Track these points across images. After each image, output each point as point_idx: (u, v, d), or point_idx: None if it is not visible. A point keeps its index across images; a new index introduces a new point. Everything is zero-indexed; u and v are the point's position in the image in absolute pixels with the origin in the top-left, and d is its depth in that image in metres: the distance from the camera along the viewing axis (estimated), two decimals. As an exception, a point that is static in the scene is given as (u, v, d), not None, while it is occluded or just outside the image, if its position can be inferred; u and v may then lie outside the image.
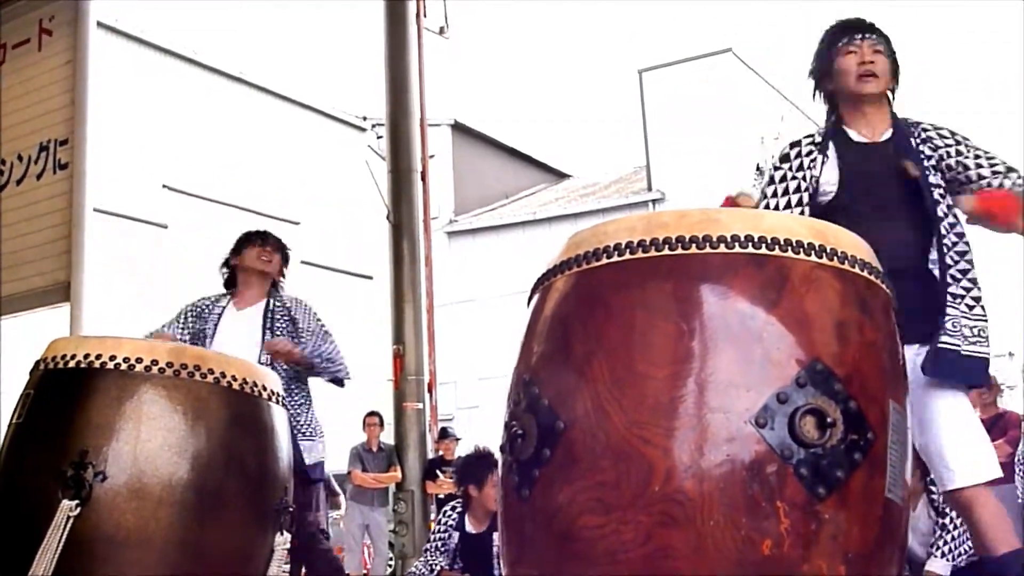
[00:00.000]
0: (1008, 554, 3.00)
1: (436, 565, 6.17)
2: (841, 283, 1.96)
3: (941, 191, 3.21)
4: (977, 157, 3.26)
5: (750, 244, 1.91)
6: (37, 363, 3.12)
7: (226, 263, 5.04)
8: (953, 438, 3.06)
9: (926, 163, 3.24)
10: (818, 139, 3.37)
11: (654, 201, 24.44)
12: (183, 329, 4.82)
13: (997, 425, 8.51)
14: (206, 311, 4.88)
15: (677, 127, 23.69)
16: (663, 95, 24.57)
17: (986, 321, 3.16)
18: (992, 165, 3.25)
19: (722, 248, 1.92)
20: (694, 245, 1.92)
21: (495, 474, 6.07)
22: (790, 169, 3.35)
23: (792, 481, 1.80)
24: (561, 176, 32.67)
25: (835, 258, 1.95)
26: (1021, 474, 7.86)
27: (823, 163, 3.31)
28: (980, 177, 3.24)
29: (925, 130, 3.32)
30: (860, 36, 3.33)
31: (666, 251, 1.93)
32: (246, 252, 4.94)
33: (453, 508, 6.33)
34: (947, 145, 3.28)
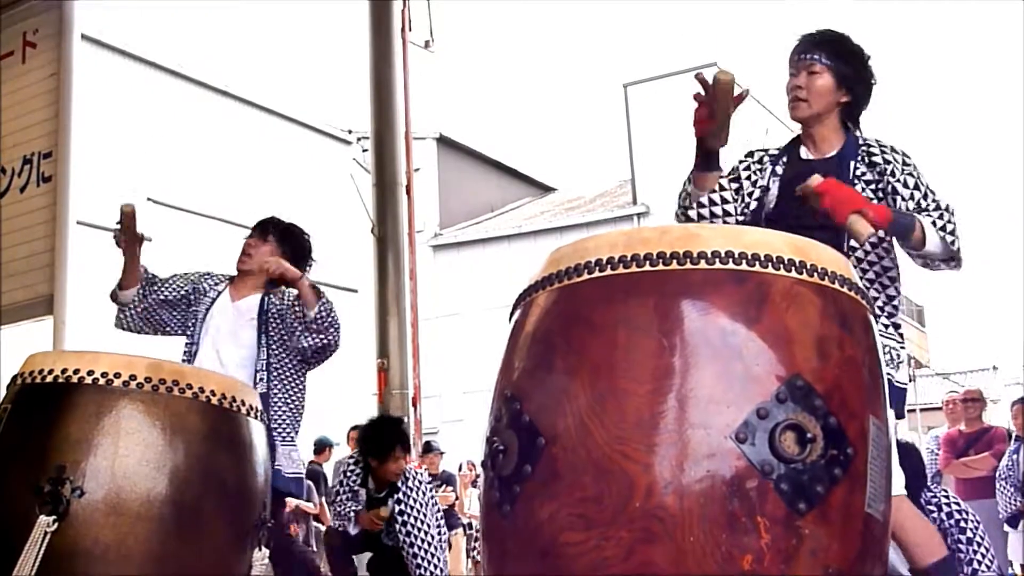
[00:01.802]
0: (938, 562, 3.02)
1: (350, 511, 6.05)
2: (821, 299, 1.96)
3: None
4: (915, 188, 3.23)
5: (731, 260, 1.92)
6: (15, 378, 3.10)
7: None
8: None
9: (859, 181, 3.25)
10: (774, 152, 3.46)
11: (639, 215, 24.49)
12: (180, 286, 4.74)
13: (983, 439, 8.54)
14: (207, 288, 4.71)
15: (662, 141, 23.72)
16: (648, 109, 24.63)
17: (903, 346, 3.17)
18: (922, 198, 3.21)
19: (703, 264, 1.92)
20: (675, 261, 1.92)
21: (398, 450, 5.98)
22: (746, 169, 3.47)
23: (772, 497, 1.80)
24: (546, 190, 32.72)
25: (815, 274, 1.96)
26: (1001, 489, 7.89)
27: (770, 175, 3.38)
28: (906, 206, 3.20)
29: (871, 150, 3.31)
30: (799, 57, 3.36)
31: (647, 267, 1.93)
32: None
33: (355, 467, 6.22)
34: (889, 167, 3.27)
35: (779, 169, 3.39)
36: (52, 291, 6.02)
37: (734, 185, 3.44)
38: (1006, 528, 7.95)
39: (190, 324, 4.60)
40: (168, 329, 4.78)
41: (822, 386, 1.88)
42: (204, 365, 4.35)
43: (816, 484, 1.82)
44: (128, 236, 4.61)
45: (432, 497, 6.04)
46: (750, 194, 3.40)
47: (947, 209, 3.16)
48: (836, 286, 1.99)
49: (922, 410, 29.69)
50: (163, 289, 4.74)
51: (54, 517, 2.77)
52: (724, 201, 3.42)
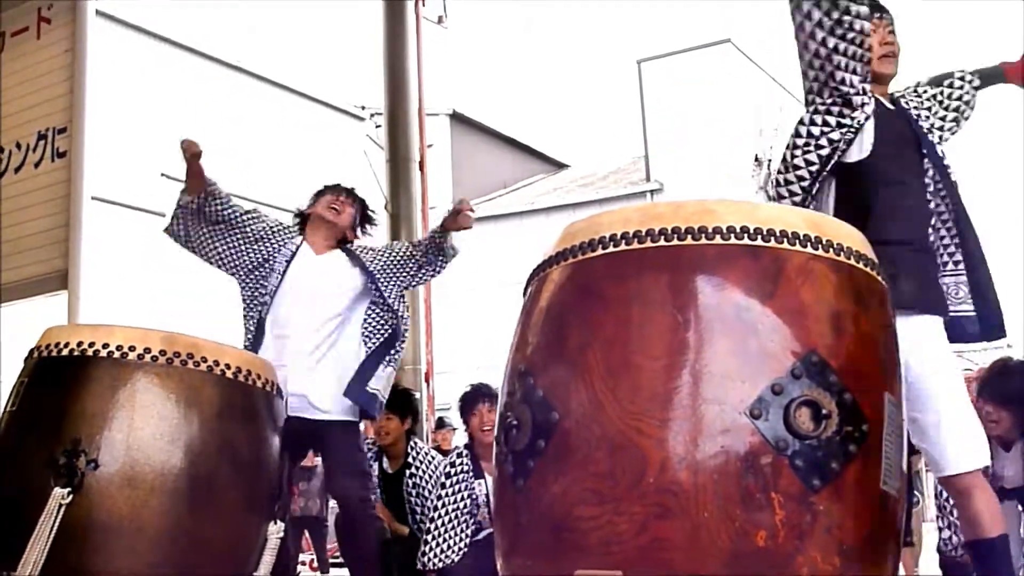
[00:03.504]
0: (1001, 536, 3.05)
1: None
2: (837, 275, 1.95)
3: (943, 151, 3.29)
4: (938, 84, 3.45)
5: (746, 235, 1.91)
6: (31, 351, 3.12)
7: (298, 213, 4.80)
8: (956, 423, 3.04)
9: (926, 124, 3.31)
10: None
11: (652, 191, 24.39)
12: (250, 219, 4.65)
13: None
14: (282, 240, 4.63)
15: (675, 117, 23.63)
16: (662, 85, 24.50)
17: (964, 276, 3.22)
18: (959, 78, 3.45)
19: (718, 239, 1.91)
20: (690, 236, 1.92)
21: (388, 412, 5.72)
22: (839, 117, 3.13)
23: (787, 473, 1.79)
24: (559, 166, 32.63)
25: (831, 250, 1.95)
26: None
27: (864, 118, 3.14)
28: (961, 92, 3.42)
29: (904, 98, 3.39)
30: (882, 16, 3.30)
31: (662, 242, 1.93)
32: (319, 201, 4.74)
33: (371, 446, 6.01)
34: (925, 98, 3.41)
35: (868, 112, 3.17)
36: (67, 266, 6.02)
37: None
38: None
39: (255, 270, 4.51)
40: (209, 253, 4.60)
41: (837, 362, 1.87)
42: (292, 317, 4.37)
43: (831, 460, 1.82)
44: (189, 158, 4.54)
45: (447, 475, 5.91)
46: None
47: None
48: (852, 262, 1.98)
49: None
50: (227, 208, 4.61)
51: (69, 490, 2.79)
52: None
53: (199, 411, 2.97)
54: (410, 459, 5.97)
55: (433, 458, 6.08)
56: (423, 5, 9.50)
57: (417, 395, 8.91)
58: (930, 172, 3.17)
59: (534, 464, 1.94)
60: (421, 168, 9.26)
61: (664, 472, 1.80)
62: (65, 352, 3.00)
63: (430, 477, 5.88)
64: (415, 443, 6.07)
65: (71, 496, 2.79)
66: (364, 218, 4.85)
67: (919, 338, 2.96)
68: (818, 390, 1.84)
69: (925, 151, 3.20)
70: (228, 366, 3.05)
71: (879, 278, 2.05)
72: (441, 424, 10.66)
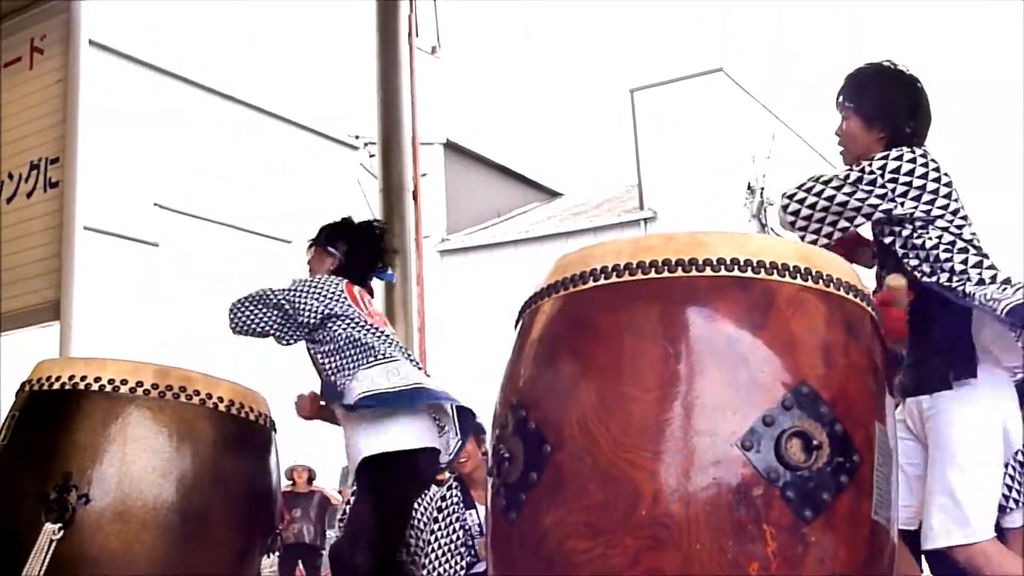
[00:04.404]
0: None
1: None
2: (827, 306, 1.96)
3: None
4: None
5: (736, 267, 1.92)
6: (23, 384, 3.11)
7: None
8: (968, 481, 2.88)
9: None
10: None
11: (646, 219, 24.43)
12: None
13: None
14: None
15: (668, 146, 23.68)
16: (655, 114, 24.58)
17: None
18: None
19: (708, 271, 1.92)
20: (680, 268, 1.93)
21: None
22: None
23: (778, 504, 1.80)
24: (553, 195, 32.67)
25: (820, 281, 1.96)
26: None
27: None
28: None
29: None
30: (836, 101, 3.26)
31: (653, 274, 1.94)
32: None
33: None
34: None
35: None
36: (59, 296, 6.00)
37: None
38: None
39: None
40: None
41: (828, 393, 1.88)
42: None
43: (822, 491, 1.82)
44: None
45: (439, 509, 5.87)
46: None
47: None
48: (842, 293, 1.99)
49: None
50: None
51: (60, 524, 2.78)
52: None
53: (192, 445, 2.96)
54: None
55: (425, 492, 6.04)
56: (417, 35, 9.54)
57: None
58: None
59: (526, 497, 1.93)
60: (415, 197, 9.26)
61: (656, 504, 1.80)
62: (57, 386, 2.99)
63: (425, 510, 5.84)
64: None
65: (62, 531, 2.78)
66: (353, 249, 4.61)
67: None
68: (809, 421, 1.84)
69: None
70: (221, 399, 3.04)
71: (868, 308, 2.06)
72: (435, 453, 10.62)
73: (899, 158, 2.98)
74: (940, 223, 2.98)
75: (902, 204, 2.95)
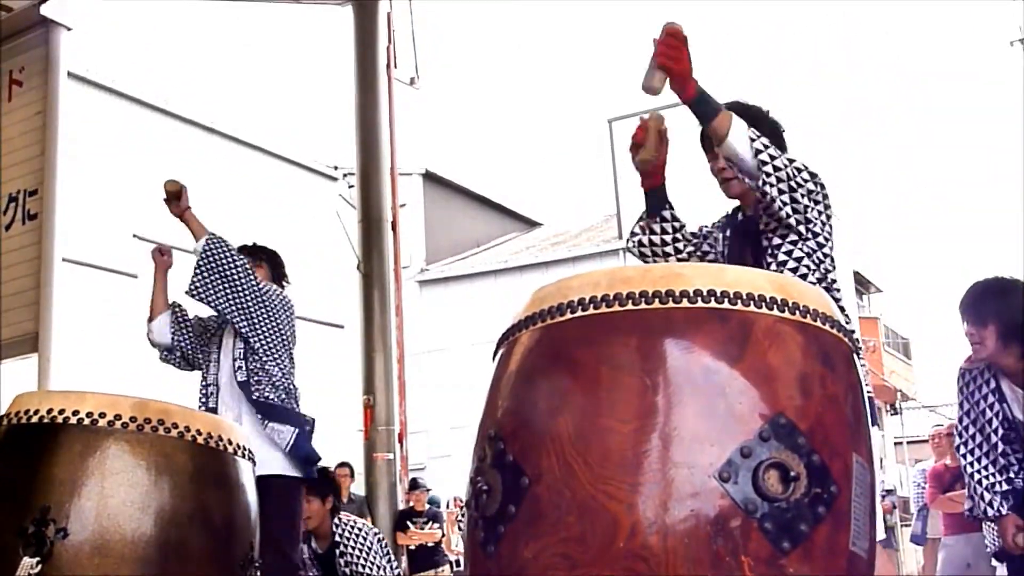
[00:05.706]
0: None
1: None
2: (803, 337, 1.97)
3: None
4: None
5: (712, 299, 1.93)
6: (1, 418, 3.10)
7: None
8: None
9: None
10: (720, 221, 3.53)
11: (625, 249, 24.50)
12: None
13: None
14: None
15: (647, 176, 23.74)
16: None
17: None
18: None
19: (685, 303, 1.93)
20: (657, 300, 1.93)
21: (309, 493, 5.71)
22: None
23: (756, 535, 1.80)
24: (532, 224, 32.75)
25: (797, 312, 1.97)
26: (988, 523, 7.85)
27: (722, 240, 3.63)
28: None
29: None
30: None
31: (630, 306, 1.94)
32: None
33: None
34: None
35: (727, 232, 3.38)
36: (37, 329, 6.00)
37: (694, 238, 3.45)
38: (994, 563, 7.92)
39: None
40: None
41: (805, 424, 1.88)
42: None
43: (800, 523, 1.82)
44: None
45: (377, 542, 5.95)
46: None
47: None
48: (818, 324, 2.00)
49: (909, 443, 29.72)
50: None
51: (38, 559, 2.75)
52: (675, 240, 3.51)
53: (170, 478, 2.94)
54: (337, 537, 5.91)
55: (360, 530, 6.02)
56: (395, 67, 9.58)
57: (391, 456, 8.89)
58: None
59: (505, 529, 1.93)
60: (393, 228, 9.29)
61: (634, 536, 1.80)
62: (35, 419, 2.97)
63: (360, 550, 5.85)
64: (339, 519, 6.00)
65: (40, 566, 2.75)
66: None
67: None
68: (786, 452, 1.85)
69: None
70: (199, 432, 3.03)
71: (845, 339, 2.08)
72: (414, 485, 10.60)
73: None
74: None
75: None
